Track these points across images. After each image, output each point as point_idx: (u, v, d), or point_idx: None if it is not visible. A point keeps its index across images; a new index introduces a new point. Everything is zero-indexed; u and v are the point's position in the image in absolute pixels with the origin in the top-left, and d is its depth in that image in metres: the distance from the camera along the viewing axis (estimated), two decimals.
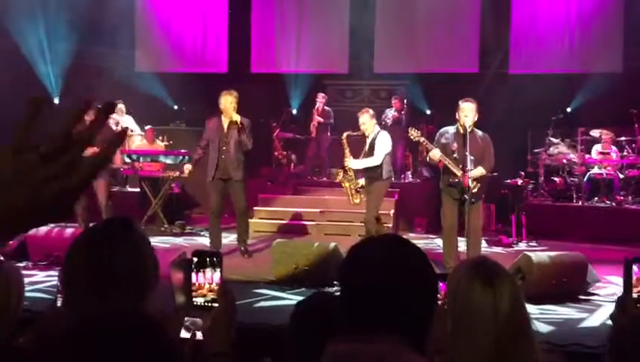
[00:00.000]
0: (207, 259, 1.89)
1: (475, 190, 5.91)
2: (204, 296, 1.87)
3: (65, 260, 1.64)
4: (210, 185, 6.99)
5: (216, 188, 6.96)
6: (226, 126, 6.86)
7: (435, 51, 11.84)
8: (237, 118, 6.79)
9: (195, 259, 1.90)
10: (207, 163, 6.99)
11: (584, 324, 4.83)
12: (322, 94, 11.63)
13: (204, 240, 8.18)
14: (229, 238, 7.76)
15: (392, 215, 9.34)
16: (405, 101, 11.65)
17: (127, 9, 12.52)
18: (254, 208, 9.60)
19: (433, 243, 8.53)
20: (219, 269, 1.88)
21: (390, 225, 8.99)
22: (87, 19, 11.66)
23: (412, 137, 6.21)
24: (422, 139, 6.18)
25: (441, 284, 1.86)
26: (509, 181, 9.31)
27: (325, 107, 11.56)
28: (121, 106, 10.85)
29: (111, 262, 1.60)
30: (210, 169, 6.92)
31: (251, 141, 6.89)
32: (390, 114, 11.16)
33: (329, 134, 11.51)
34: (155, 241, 8.32)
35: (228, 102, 6.76)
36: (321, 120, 11.40)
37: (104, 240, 1.64)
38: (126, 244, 1.64)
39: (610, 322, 2.12)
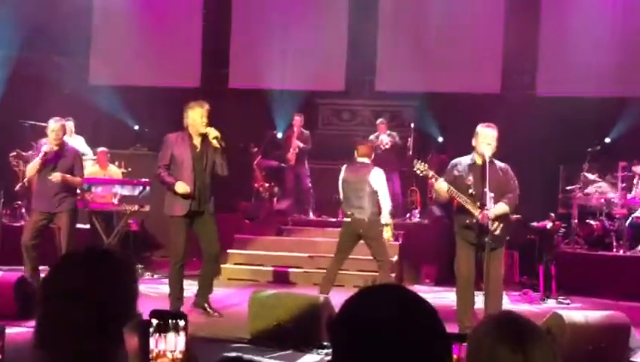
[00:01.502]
0: (170, 322, 1.86)
1: (497, 232, 5.91)
2: None
3: (39, 296, 1.74)
4: (178, 222, 6.62)
5: (185, 225, 6.64)
6: (199, 144, 6.67)
7: (449, 67, 11.98)
8: (216, 133, 6.54)
9: (155, 322, 1.86)
10: (169, 192, 6.66)
11: None
12: (299, 114, 11.77)
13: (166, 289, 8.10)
14: (192, 289, 7.62)
15: (395, 262, 9.32)
16: (412, 125, 11.76)
17: (82, 10, 12.60)
18: (228, 251, 9.56)
19: (445, 298, 8.48)
20: (183, 333, 1.84)
21: (393, 275, 8.96)
22: (32, 21, 11.71)
23: (418, 171, 6.23)
24: (430, 173, 6.19)
25: (454, 347, 1.84)
26: (536, 224, 9.34)
27: (303, 130, 11.69)
28: (69, 125, 10.83)
29: (92, 295, 1.69)
30: (181, 200, 6.56)
31: (226, 167, 6.74)
32: (387, 139, 11.24)
33: (306, 163, 11.67)
34: None
35: (198, 115, 6.58)
36: (301, 145, 11.51)
37: (86, 269, 1.75)
38: (109, 274, 1.75)
39: None
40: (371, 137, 11.23)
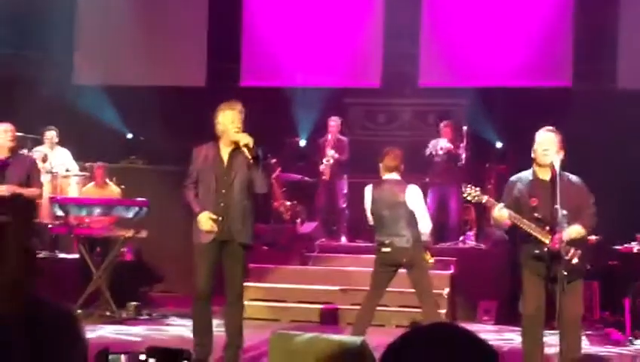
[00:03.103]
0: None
1: (575, 260, 5.87)
2: None
3: None
4: (200, 249, 6.57)
5: (210, 255, 6.56)
6: (226, 157, 6.57)
7: (507, 58, 11.97)
8: (247, 140, 6.38)
9: (152, 361, 1.91)
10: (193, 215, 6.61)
11: None
12: (336, 118, 11.76)
13: (176, 331, 8.16)
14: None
15: (445, 295, 9.31)
16: (465, 129, 11.73)
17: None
18: (243, 284, 9.60)
19: (508, 340, 8.46)
20: None
21: (444, 311, 8.95)
22: (6, 13, 11.92)
23: (469, 198, 6.22)
24: (484, 198, 6.15)
25: None
26: (619, 247, 9.27)
27: (340, 136, 11.69)
28: (51, 134, 11.01)
29: None
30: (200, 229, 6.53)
31: (267, 183, 6.68)
32: (442, 145, 11.21)
33: (346, 176, 11.62)
34: (102, 332, 8.33)
35: (228, 120, 6.46)
36: (336, 155, 11.49)
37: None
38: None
39: None
40: (431, 142, 11.22)
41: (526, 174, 6.10)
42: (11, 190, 7.46)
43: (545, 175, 5.97)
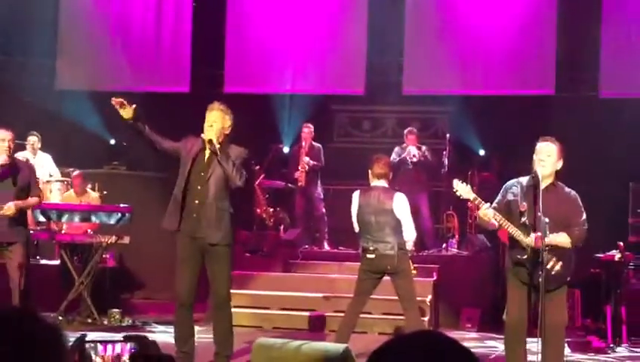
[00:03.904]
0: None
1: (558, 268, 5.89)
2: None
3: None
4: (179, 242, 6.59)
5: (189, 260, 6.57)
6: (207, 155, 6.60)
7: (491, 64, 12.03)
8: (209, 136, 6.47)
9: None
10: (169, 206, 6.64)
11: None
12: (308, 124, 11.79)
13: (157, 338, 8.09)
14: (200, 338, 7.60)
15: (428, 302, 9.32)
16: (448, 136, 11.78)
17: (46, 3, 12.72)
18: (228, 288, 9.59)
19: (491, 347, 8.48)
20: None
21: (426, 319, 8.97)
22: None
23: (458, 193, 6.24)
24: (472, 196, 6.18)
25: None
26: (601, 255, 9.30)
27: (314, 143, 11.72)
28: (33, 139, 10.97)
29: None
30: (175, 211, 6.56)
31: (242, 175, 6.58)
32: (413, 152, 11.27)
33: (319, 182, 11.66)
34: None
35: (211, 118, 6.53)
36: (311, 162, 11.50)
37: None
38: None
39: None
40: (396, 150, 11.28)
41: (524, 180, 6.11)
42: (15, 209, 7.41)
43: (542, 183, 5.99)
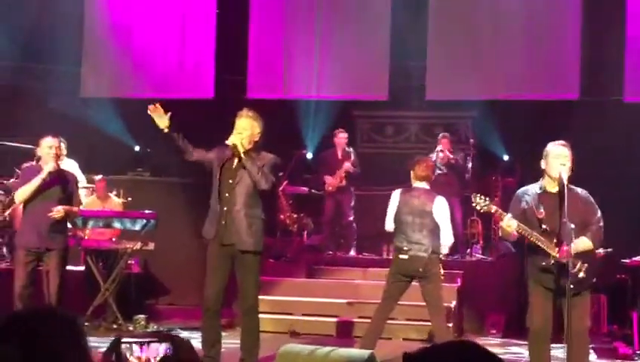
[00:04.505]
0: None
1: (582, 274, 5.86)
2: None
3: None
4: (210, 249, 6.65)
5: (218, 265, 6.63)
6: (236, 162, 6.63)
7: (515, 70, 11.98)
8: (235, 140, 6.50)
9: None
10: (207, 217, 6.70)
11: None
12: (342, 130, 11.81)
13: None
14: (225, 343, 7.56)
15: (453, 308, 9.31)
16: (472, 141, 11.75)
17: (72, 12, 12.81)
18: (256, 296, 9.61)
19: (514, 352, 8.46)
20: None
21: (450, 325, 8.95)
22: (14, 26, 11.97)
23: (478, 207, 6.22)
24: (493, 208, 6.16)
25: None
26: (627, 261, 9.26)
27: (347, 148, 11.72)
28: (61, 146, 11.04)
29: None
30: (213, 220, 6.63)
31: (268, 178, 6.57)
32: (440, 156, 11.24)
33: (352, 189, 11.63)
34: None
35: (241, 125, 6.58)
36: (352, 168, 11.47)
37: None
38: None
39: None
40: (432, 156, 11.22)
41: (534, 187, 6.10)
42: (63, 212, 7.50)
43: (553, 188, 5.98)
